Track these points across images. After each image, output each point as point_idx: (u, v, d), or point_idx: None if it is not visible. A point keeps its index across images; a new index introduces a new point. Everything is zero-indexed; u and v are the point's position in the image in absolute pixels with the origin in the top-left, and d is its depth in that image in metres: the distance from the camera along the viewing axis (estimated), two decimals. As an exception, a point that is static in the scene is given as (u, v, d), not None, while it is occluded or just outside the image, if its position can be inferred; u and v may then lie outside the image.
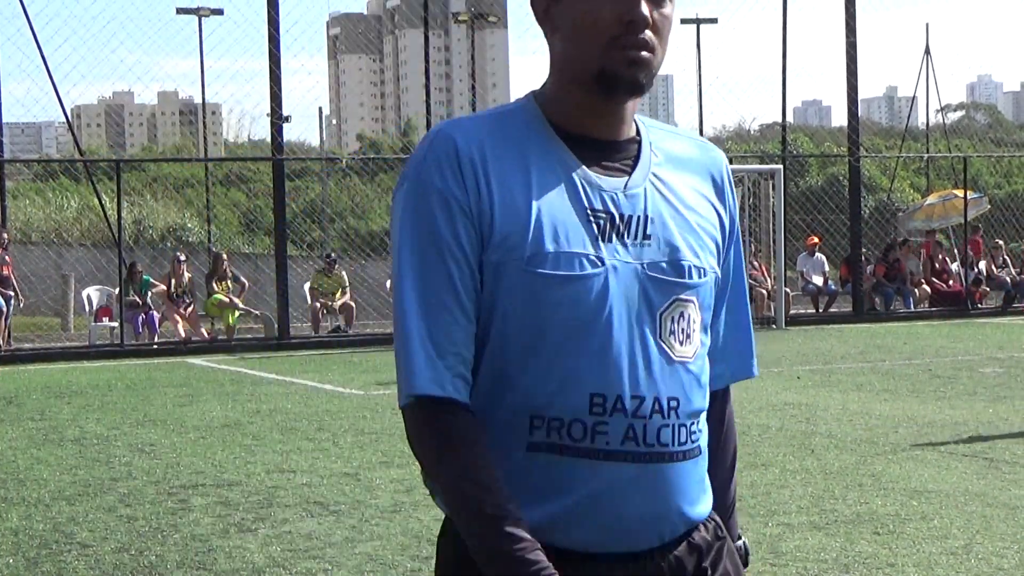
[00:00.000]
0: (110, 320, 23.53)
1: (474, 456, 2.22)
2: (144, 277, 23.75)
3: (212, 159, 44.44)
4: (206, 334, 23.58)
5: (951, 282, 28.72)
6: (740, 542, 2.56)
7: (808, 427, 11.95)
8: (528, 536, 2.15)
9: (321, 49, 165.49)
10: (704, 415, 2.42)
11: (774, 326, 25.18)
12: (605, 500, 2.25)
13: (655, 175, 2.38)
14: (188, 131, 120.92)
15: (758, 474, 9.58)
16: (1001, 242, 30.09)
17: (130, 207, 38.82)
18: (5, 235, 22.96)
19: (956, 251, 30.10)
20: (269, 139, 24.93)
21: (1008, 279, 28.87)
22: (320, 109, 53.45)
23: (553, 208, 2.25)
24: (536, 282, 2.23)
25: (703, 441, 2.39)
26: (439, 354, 2.22)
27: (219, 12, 32.29)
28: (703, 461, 2.39)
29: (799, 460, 10.14)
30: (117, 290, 23.55)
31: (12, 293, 22.35)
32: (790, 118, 38.80)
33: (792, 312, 26.65)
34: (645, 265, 2.30)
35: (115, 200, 24.59)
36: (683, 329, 2.34)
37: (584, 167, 2.30)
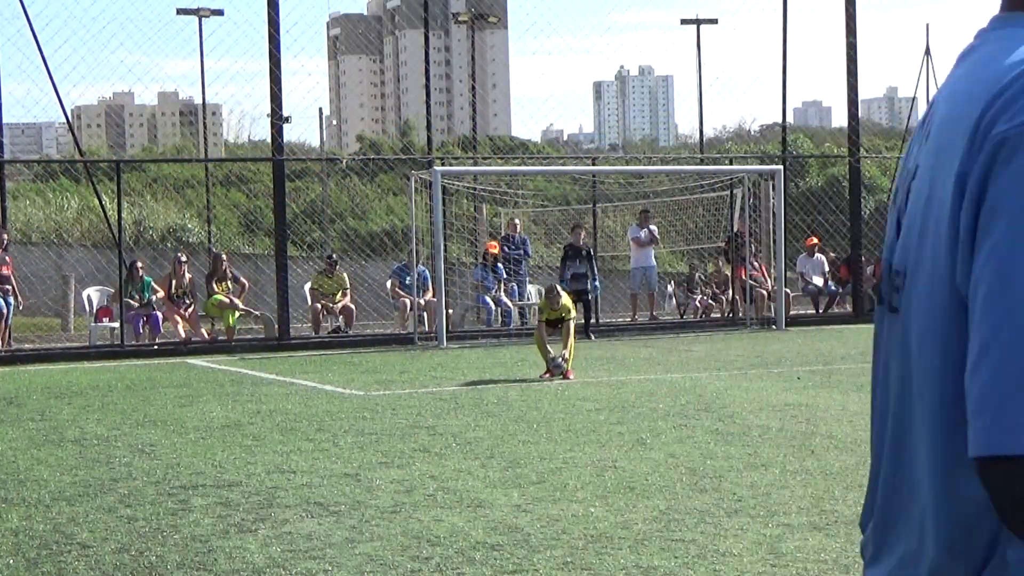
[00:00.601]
0: (110, 321, 23.53)
1: None
2: (145, 278, 23.75)
3: (212, 160, 44.46)
4: (206, 335, 23.58)
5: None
6: None
7: (808, 428, 11.95)
8: None
9: (321, 50, 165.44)
10: None
11: (774, 327, 25.18)
12: None
13: None
14: (188, 132, 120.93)
15: (758, 475, 9.58)
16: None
17: (130, 208, 38.82)
18: (5, 235, 22.96)
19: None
20: (269, 140, 24.95)
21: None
22: (320, 110, 53.40)
23: None
24: None
25: None
26: None
27: (219, 13, 32.30)
28: None
29: (799, 461, 10.15)
30: (114, 290, 23.56)
31: (10, 288, 22.34)
32: (790, 119, 38.82)
33: (792, 313, 26.66)
34: None
35: (115, 201, 24.60)
36: None
37: None
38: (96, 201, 27.40)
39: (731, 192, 27.49)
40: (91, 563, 7.40)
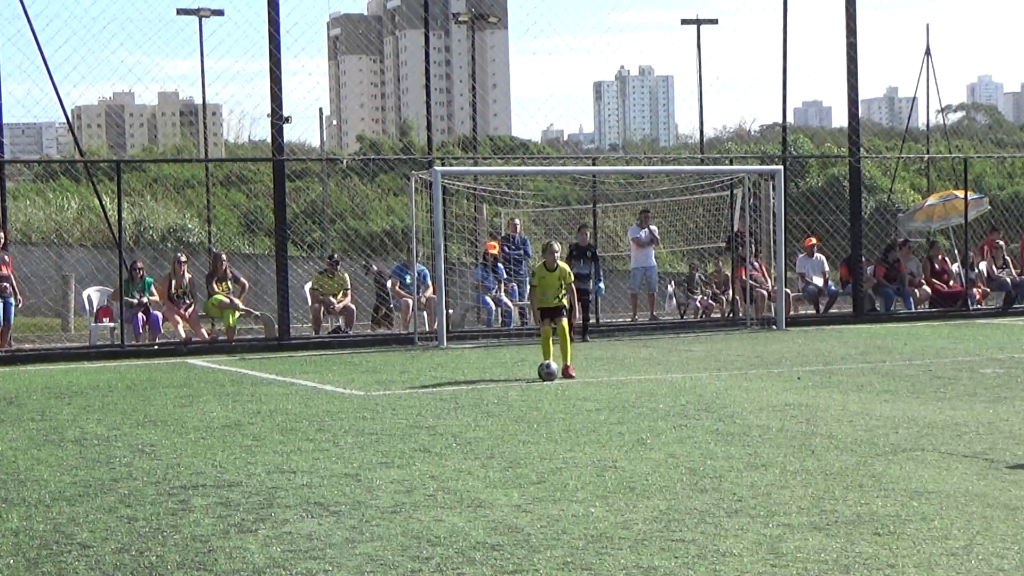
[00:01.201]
0: (110, 321, 23.54)
1: None
2: (146, 279, 23.76)
3: (212, 160, 44.45)
4: (206, 335, 23.58)
5: (951, 283, 28.71)
6: None
7: (808, 428, 11.95)
8: None
9: (321, 50, 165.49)
10: None
11: (774, 327, 25.18)
12: None
13: None
14: (188, 132, 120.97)
15: (758, 475, 9.58)
16: (1003, 243, 30.09)
17: (130, 208, 38.86)
18: (3, 235, 22.96)
19: (956, 252, 30.10)
20: (269, 140, 24.94)
21: (1008, 280, 28.86)
22: (320, 110, 53.40)
23: None
24: None
25: None
26: None
27: (219, 13, 32.30)
28: None
29: (799, 461, 10.14)
30: (115, 290, 23.56)
31: (9, 287, 22.34)
32: (790, 119, 38.80)
33: (792, 313, 26.66)
34: None
35: (115, 201, 24.59)
36: None
37: None
38: (96, 201, 27.43)
39: (731, 192, 27.49)
40: (91, 563, 7.40)
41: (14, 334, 23.20)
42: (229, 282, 24.08)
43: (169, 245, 39.19)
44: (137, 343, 22.79)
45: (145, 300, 23.35)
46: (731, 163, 32.92)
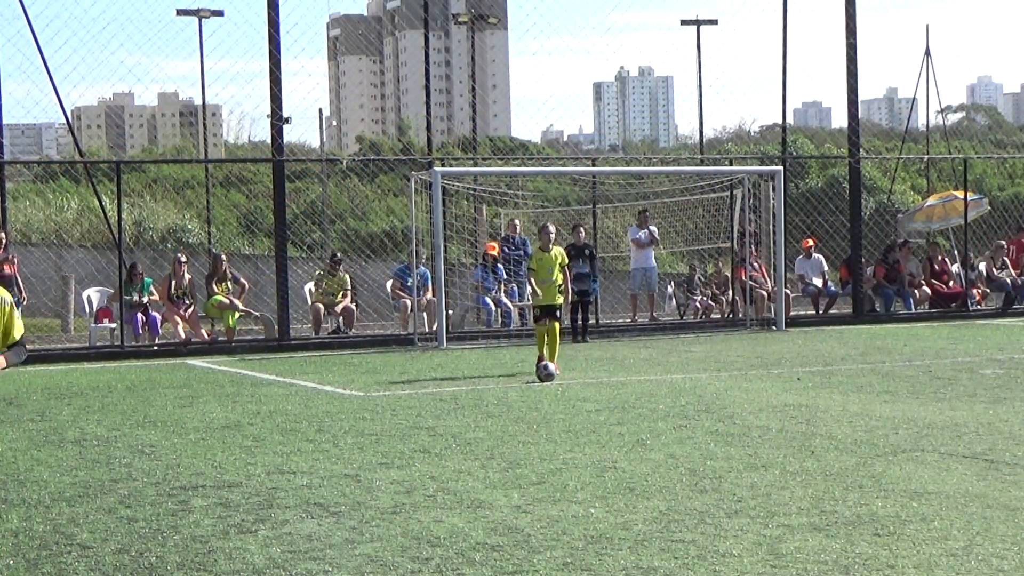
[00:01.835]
0: (110, 321, 23.54)
1: None
2: (146, 279, 23.76)
3: (212, 160, 44.45)
4: (206, 335, 23.58)
5: (951, 283, 28.72)
6: None
7: (808, 428, 11.95)
8: None
9: (321, 50, 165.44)
10: None
11: (774, 328, 25.18)
12: None
13: None
14: (188, 132, 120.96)
15: (758, 475, 9.58)
16: (1003, 242, 30.09)
17: (130, 208, 38.87)
18: (3, 235, 22.98)
19: (956, 252, 30.10)
20: (269, 140, 24.95)
21: (1008, 280, 28.87)
22: (320, 110, 53.41)
23: None
24: None
25: None
26: None
27: (219, 13, 32.33)
28: None
29: (799, 461, 10.15)
30: (115, 291, 23.55)
31: (15, 287, 22.38)
32: (790, 119, 38.81)
33: (792, 313, 26.66)
34: None
35: (115, 201, 24.59)
36: None
37: None
38: (96, 202, 27.43)
39: (731, 193, 27.50)
40: (91, 564, 7.40)
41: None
42: (229, 283, 24.08)
43: (169, 246, 39.19)
44: (137, 344, 22.80)
45: (145, 301, 23.36)
46: (731, 164, 32.92)
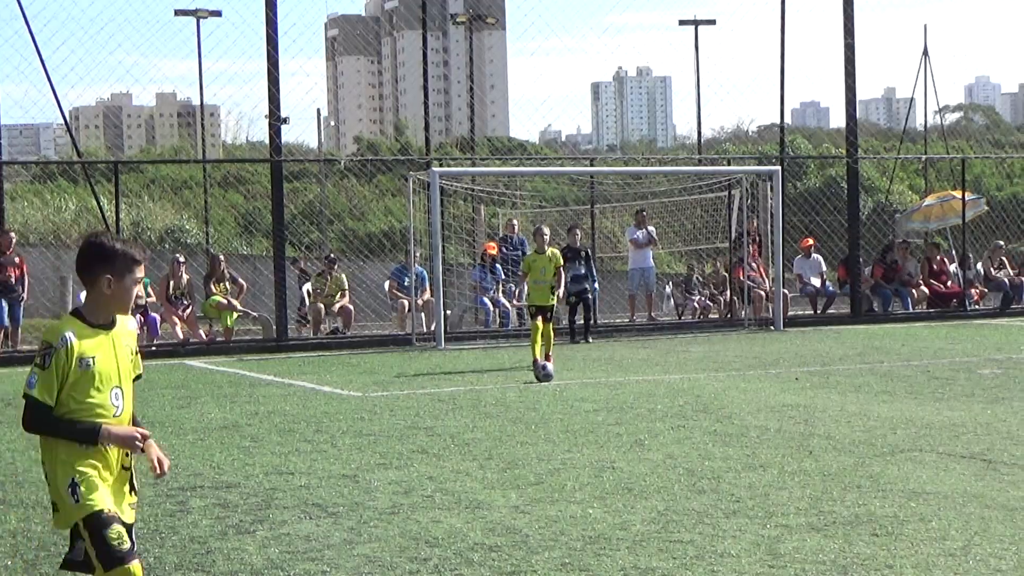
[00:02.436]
0: (108, 322, 23.49)
1: None
2: (144, 279, 23.73)
3: (210, 161, 44.45)
4: (204, 336, 23.57)
5: (949, 283, 28.73)
6: None
7: (806, 429, 11.95)
8: None
9: (319, 51, 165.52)
10: None
11: (772, 328, 25.18)
12: None
13: None
14: (186, 133, 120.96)
15: (756, 475, 9.58)
16: (1002, 243, 30.10)
17: (128, 209, 38.85)
18: (13, 235, 23.01)
19: (954, 252, 30.12)
20: (267, 141, 24.93)
21: (1006, 280, 28.87)
22: (318, 111, 53.52)
23: None
24: None
25: None
26: None
27: (217, 14, 32.34)
28: None
29: (797, 462, 10.15)
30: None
31: (20, 288, 22.42)
32: (788, 119, 38.83)
33: (790, 313, 26.66)
34: None
35: (113, 202, 24.58)
36: None
37: None
38: (94, 202, 27.38)
39: (729, 193, 27.50)
40: (89, 564, 7.39)
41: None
42: (227, 283, 24.07)
43: (167, 246, 39.18)
44: (135, 344, 22.76)
45: (143, 301, 23.34)
46: (729, 164, 32.93)
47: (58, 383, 5.29)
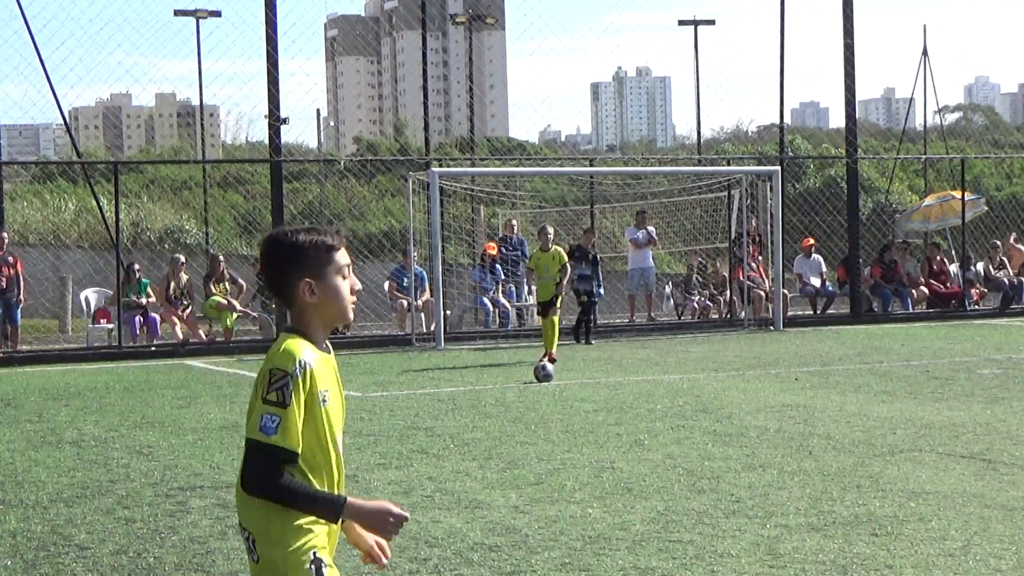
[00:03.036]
0: (108, 322, 23.52)
1: None
2: (143, 280, 23.74)
3: (210, 161, 44.43)
4: (204, 336, 23.57)
5: (949, 283, 28.73)
6: None
7: (806, 429, 11.95)
8: None
9: (319, 51, 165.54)
10: None
11: (772, 328, 25.18)
12: None
13: None
14: (186, 133, 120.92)
15: (756, 475, 9.58)
16: (999, 243, 30.10)
17: (128, 209, 38.82)
18: (5, 235, 22.99)
19: (954, 252, 30.12)
20: (267, 141, 24.93)
21: (1006, 280, 28.88)
22: (318, 111, 53.42)
23: None
24: None
25: None
26: None
27: (217, 14, 32.32)
28: None
29: (797, 462, 10.15)
30: (112, 291, 23.54)
31: (16, 288, 22.42)
32: (788, 120, 38.83)
33: (790, 313, 26.65)
34: None
35: (113, 202, 24.58)
36: None
37: None
38: (94, 203, 27.40)
39: (729, 193, 27.50)
40: (89, 564, 7.40)
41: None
42: (227, 283, 24.07)
43: (167, 246, 39.16)
44: (135, 344, 22.78)
45: (143, 301, 23.35)
46: (728, 164, 32.93)
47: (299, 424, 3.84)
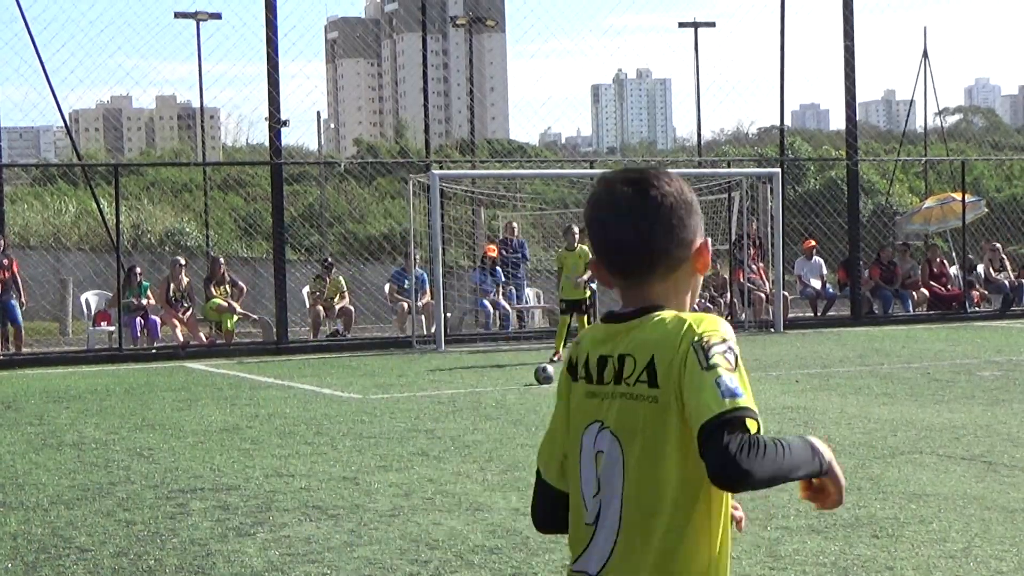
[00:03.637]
0: (108, 325, 23.51)
1: None
2: (143, 283, 23.73)
3: (210, 163, 44.45)
4: (204, 338, 23.57)
5: (949, 285, 28.72)
6: None
7: (807, 431, 11.95)
8: None
9: (319, 53, 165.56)
10: None
11: (772, 330, 25.17)
12: None
13: None
14: (186, 135, 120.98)
15: (757, 478, 9.57)
16: (999, 245, 30.10)
17: (128, 211, 38.84)
18: (2, 240, 22.98)
19: (954, 254, 30.11)
20: (267, 143, 24.94)
21: (1006, 282, 28.87)
22: (318, 113, 53.37)
23: None
24: None
25: None
26: None
27: (217, 16, 32.31)
28: None
29: (798, 464, 10.13)
30: (113, 294, 23.54)
31: (13, 289, 22.43)
32: (788, 122, 38.81)
33: (790, 316, 26.65)
34: None
35: (113, 205, 24.58)
36: None
37: None
38: (94, 205, 27.41)
39: (729, 195, 27.50)
40: (89, 567, 7.39)
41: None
42: (227, 286, 24.07)
43: (167, 249, 39.18)
44: (135, 347, 22.78)
45: (144, 303, 23.34)
46: (729, 166, 32.93)
47: None
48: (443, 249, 23.88)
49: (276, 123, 24.09)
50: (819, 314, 27.70)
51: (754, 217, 27.07)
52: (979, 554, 7.23)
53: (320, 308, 24.42)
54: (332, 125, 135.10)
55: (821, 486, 2.98)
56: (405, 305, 24.52)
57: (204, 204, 33.28)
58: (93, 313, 23.91)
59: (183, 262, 24.25)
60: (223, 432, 12.69)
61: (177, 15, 32.41)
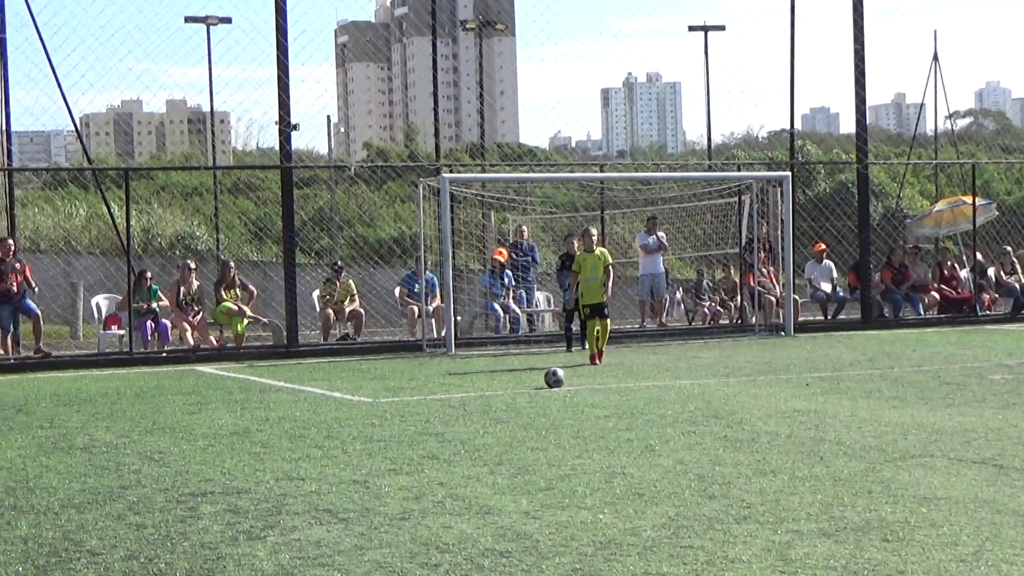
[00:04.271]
0: (119, 328, 23.56)
1: None
2: (153, 287, 23.76)
3: (220, 167, 44.50)
4: (215, 342, 23.60)
5: (960, 289, 28.68)
6: None
7: (817, 434, 11.93)
8: None
9: (329, 57, 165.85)
10: None
11: (783, 333, 25.16)
12: None
13: None
14: (196, 139, 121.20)
15: (767, 481, 9.57)
16: (1010, 248, 30.06)
17: (138, 215, 38.96)
18: (12, 243, 23.03)
19: (965, 257, 30.07)
20: (277, 147, 24.97)
21: (1017, 286, 28.82)
22: (328, 117, 53.56)
23: None
24: None
25: None
26: None
27: (227, 21, 32.41)
28: None
29: (808, 467, 10.13)
30: (123, 297, 23.57)
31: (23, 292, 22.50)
32: (798, 125, 38.81)
33: (801, 319, 26.63)
34: None
35: (124, 208, 24.64)
36: None
37: None
38: (104, 209, 27.46)
39: (739, 199, 27.48)
40: (100, 570, 7.40)
41: (24, 341, 23.27)
42: (237, 289, 24.12)
43: (177, 252, 39.27)
44: (146, 350, 22.82)
45: (155, 307, 23.38)
46: (739, 169, 32.92)
47: None
48: (453, 252, 23.90)
49: (286, 127, 24.13)
50: (829, 317, 27.68)
51: (764, 220, 27.06)
52: (990, 558, 7.21)
53: (330, 311, 24.45)
54: (342, 129, 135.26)
55: None
56: (415, 309, 24.53)
57: (214, 208, 33.36)
58: (104, 317, 23.96)
59: (193, 266, 24.29)
60: (233, 435, 12.70)
61: (187, 19, 32.50)
